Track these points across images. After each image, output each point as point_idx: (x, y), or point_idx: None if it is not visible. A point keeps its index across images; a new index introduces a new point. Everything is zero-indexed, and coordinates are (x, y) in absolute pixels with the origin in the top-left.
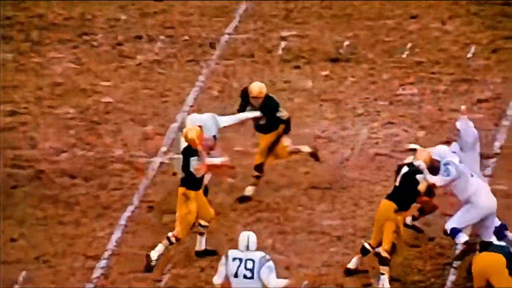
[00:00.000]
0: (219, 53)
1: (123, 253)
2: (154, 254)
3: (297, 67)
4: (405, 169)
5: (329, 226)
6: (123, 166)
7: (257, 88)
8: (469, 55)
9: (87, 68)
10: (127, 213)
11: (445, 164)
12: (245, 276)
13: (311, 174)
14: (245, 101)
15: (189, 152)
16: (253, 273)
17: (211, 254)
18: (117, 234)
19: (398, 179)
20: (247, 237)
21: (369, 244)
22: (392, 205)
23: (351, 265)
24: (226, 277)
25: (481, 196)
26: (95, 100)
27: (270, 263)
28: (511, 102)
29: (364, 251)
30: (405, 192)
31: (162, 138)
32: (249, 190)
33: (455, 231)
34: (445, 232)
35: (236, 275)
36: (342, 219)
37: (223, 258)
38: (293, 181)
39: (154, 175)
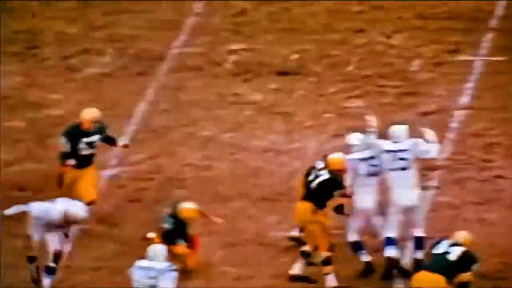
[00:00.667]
0: (168, 67)
1: (74, 266)
2: None
3: (246, 80)
4: (324, 175)
5: (279, 238)
6: None
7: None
8: (414, 68)
9: (35, 81)
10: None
11: None
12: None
13: (260, 186)
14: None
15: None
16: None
17: None
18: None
19: (316, 182)
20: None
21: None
22: (310, 206)
23: (295, 271)
24: None
25: None
26: (44, 113)
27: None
28: (455, 115)
29: (305, 255)
30: (321, 194)
31: (110, 150)
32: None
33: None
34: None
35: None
36: (291, 231)
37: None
38: (242, 193)
39: (102, 187)
